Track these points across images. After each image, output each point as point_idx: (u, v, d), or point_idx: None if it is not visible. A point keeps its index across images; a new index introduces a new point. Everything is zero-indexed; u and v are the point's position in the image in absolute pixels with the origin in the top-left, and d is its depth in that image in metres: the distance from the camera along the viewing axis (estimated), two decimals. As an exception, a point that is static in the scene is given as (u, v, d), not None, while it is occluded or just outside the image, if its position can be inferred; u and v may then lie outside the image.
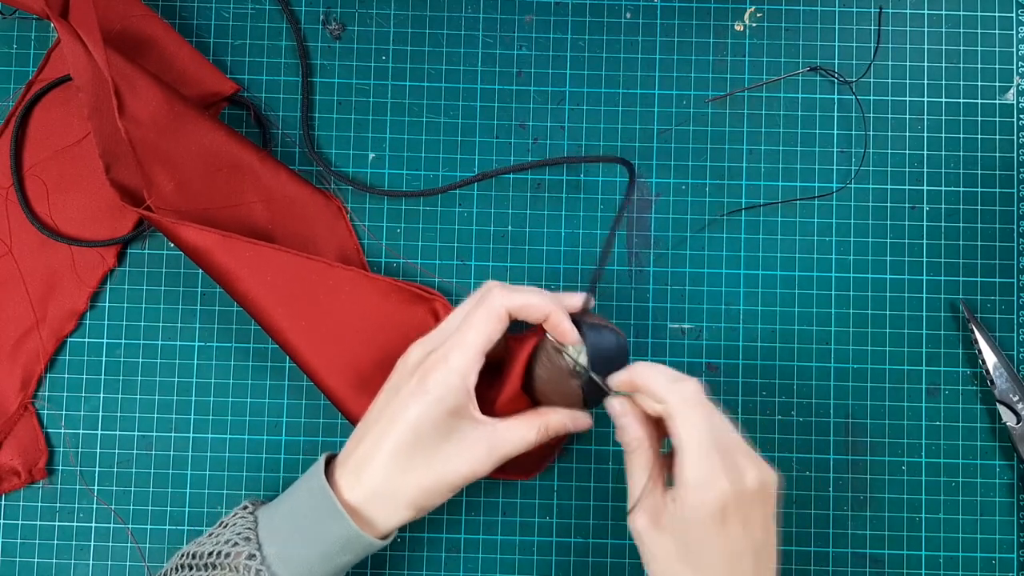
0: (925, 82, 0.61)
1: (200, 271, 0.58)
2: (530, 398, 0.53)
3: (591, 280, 0.54)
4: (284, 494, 0.52)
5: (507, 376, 0.52)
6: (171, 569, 0.51)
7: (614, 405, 0.50)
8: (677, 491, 0.47)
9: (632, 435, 0.50)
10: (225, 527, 0.51)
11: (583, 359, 0.51)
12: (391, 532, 0.51)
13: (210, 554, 0.49)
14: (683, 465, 0.46)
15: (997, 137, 0.60)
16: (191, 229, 0.54)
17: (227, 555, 0.48)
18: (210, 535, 0.51)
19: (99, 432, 0.58)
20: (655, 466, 0.49)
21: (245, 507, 0.52)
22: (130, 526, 0.58)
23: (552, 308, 0.51)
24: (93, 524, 0.58)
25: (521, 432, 0.51)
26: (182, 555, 0.51)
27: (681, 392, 0.47)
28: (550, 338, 0.51)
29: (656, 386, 0.48)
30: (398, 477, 0.49)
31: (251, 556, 0.48)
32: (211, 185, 0.57)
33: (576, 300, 0.52)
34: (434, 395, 0.48)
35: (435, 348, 0.50)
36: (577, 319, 0.51)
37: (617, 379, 0.50)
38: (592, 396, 0.51)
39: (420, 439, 0.49)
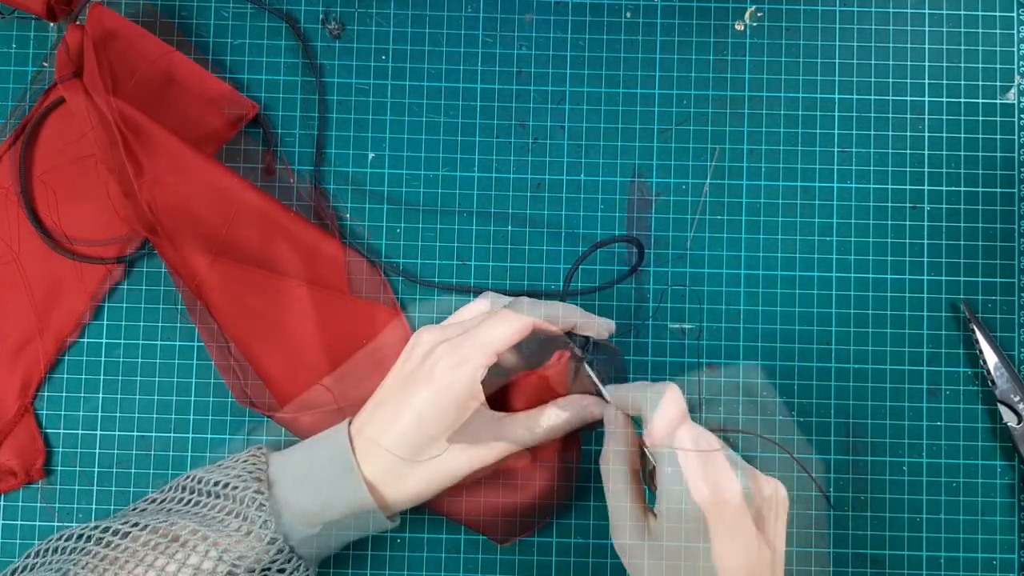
0: (925, 82, 0.61)
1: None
2: None
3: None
4: (299, 445, 0.52)
5: (529, 387, 0.53)
6: (172, 487, 0.51)
7: (608, 412, 0.51)
8: (659, 503, 0.47)
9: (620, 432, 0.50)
10: (237, 462, 0.51)
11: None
12: (394, 515, 0.51)
13: (216, 483, 0.49)
14: (661, 476, 0.47)
15: (997, 137, 0.60)
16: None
17: (235, 487, 0.49)
18: (220, 466, 0.51)
19: (99, 432, 0.58)
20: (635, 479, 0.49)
21: (260, 448, 0.52)
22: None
23: (578, 313, 0.52)
24: (93, 524, 0.58)
25: (527, 424, 0.51)
26: (187, 477, 0.51)
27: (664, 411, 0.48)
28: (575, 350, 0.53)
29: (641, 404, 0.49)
30: (402, 461, 0.49)
31: (258, 492, 0.48)
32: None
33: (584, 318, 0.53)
34: (441, 384, 0.49)
35: (449, 339, 0.50)
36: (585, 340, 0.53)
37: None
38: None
39: (424, 425, 0.49)
